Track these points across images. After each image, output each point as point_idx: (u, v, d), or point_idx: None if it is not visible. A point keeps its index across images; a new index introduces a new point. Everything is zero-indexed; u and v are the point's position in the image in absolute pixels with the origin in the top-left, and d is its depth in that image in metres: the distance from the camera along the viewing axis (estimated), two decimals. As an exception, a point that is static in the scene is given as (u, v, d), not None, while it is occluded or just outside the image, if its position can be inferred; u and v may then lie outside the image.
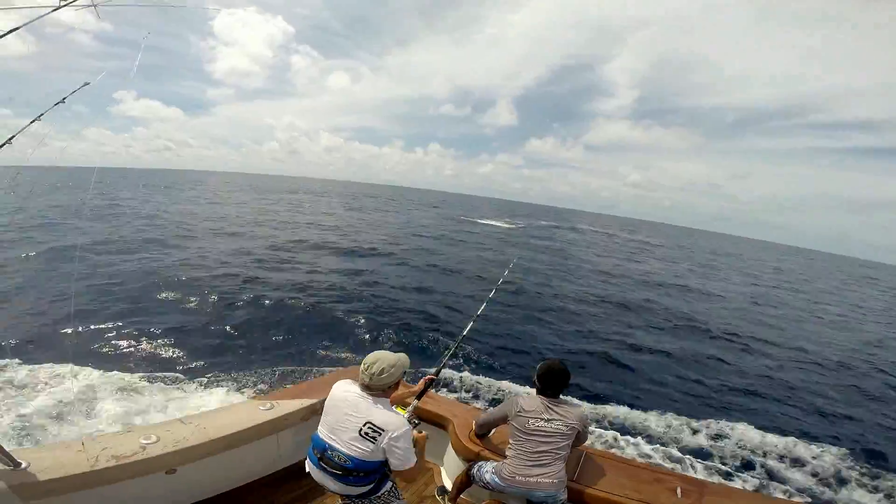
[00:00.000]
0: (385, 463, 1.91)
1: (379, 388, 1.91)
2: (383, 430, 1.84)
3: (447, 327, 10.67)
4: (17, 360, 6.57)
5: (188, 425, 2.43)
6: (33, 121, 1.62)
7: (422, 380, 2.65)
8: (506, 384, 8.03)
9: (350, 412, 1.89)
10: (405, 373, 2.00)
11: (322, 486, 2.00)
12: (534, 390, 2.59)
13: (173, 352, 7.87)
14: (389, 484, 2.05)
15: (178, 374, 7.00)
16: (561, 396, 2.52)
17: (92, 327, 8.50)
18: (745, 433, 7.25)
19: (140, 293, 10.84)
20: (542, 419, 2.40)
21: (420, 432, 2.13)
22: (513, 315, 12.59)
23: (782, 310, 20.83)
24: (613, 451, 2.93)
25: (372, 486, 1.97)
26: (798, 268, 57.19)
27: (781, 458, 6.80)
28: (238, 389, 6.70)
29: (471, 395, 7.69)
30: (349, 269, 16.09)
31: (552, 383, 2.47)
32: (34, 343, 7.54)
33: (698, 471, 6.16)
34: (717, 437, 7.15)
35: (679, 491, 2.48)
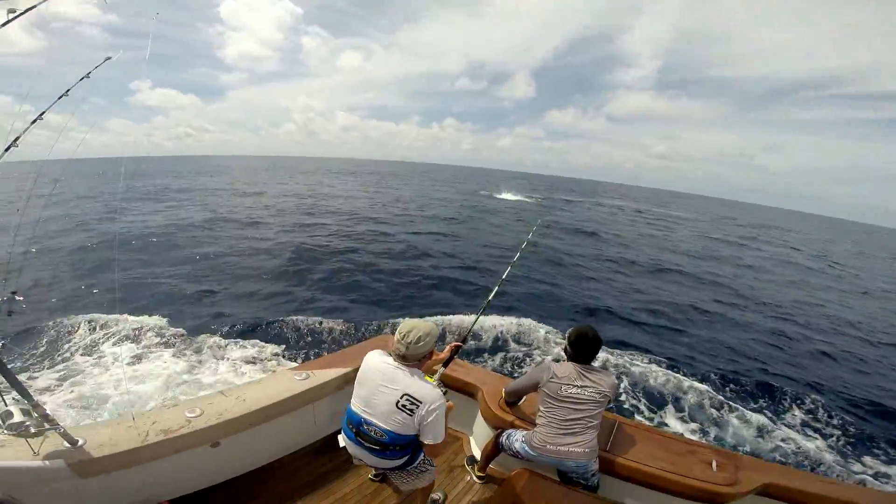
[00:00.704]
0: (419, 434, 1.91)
1: (415, 358, 1.89)
2: (421, 402, 1.82)
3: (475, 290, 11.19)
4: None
5: (228, 397, 2.49)
6: (60, 97, 1.62)
7: (447, 347, 2.64)
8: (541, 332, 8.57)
9: (386, 383, 1.86)
10: (436, 342, 1.96)
11: (358, 459, 2.01)
12: (565, 357, 2.56)
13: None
14: (422, 454, 2.06)
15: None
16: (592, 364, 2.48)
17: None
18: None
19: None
20: (575, 385, 2.36)
21: (447, 402, 2.11)
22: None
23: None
24: (645, 421, 2.89)
25: (407, 458, 1.99)
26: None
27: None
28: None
29: (498, 357, 7.85)
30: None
31: (585, 349, 2.42)
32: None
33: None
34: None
35: (714, 464, 2.44)
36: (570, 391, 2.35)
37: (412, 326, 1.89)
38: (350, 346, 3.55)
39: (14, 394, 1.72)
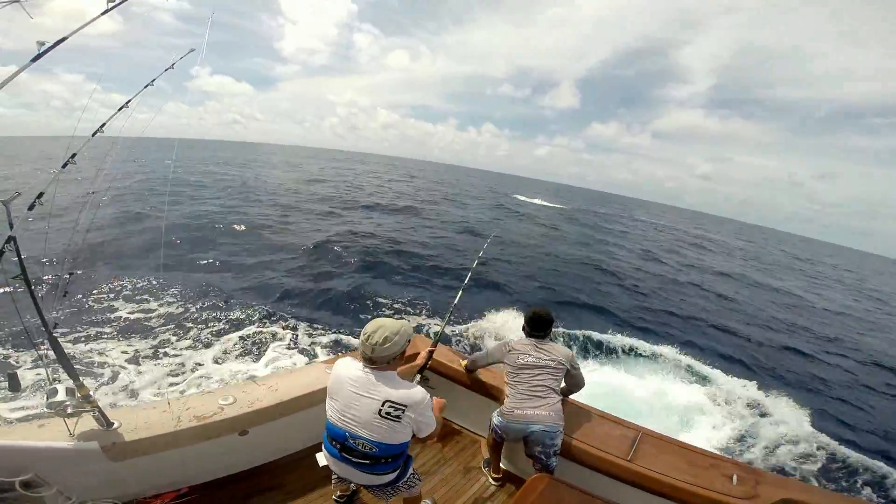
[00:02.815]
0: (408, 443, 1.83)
1: (384, 360, 1.72)
2: (407, 406, 1.70)
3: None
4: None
5: (261, 386, 2.55)
6: (146, 85, 1.74)
7: (421, 354, 2.72)
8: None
9: (362, 392, 1.71)
10: (409, 341, 1.81)
11: (345, 479, 1.91)
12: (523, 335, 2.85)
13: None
14: (411, 468, 2.00)
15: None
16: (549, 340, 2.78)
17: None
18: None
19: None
20: (531, 355, 2.66)
21: (440, 399, 2.16)
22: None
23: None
24: (670, 434, 2.85)
25: (398, 471, 1.88)
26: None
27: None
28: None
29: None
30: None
31: (538, 326, 2.75)
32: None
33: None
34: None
35: (735, 478, 2.43)
36: (527, 360, 2.65)
37: (378, 326, 1.73)
38: None
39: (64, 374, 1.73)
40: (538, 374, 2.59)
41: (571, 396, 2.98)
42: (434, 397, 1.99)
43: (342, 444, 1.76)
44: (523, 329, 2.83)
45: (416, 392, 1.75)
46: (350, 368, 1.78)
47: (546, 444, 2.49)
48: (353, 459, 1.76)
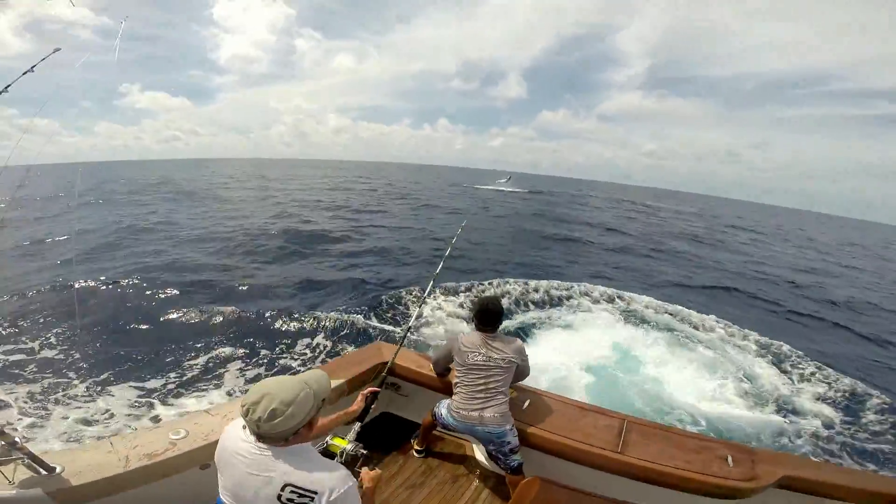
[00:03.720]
0: None
1: (278, 438, 1.28)
2: (316, 494, 1.25)
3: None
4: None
5: (214, 416, 2.35)
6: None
7: (360, 394, 2.22)
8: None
9: (254, 472, 1.28)
10: (318, 405, 1.35)
11: None
12: (472, 327, 2.72)
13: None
14: None
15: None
16: (499, 332, 2.64)
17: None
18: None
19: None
20: (480, 353, 2.52)
21: (371, 468, 1.67)
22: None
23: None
24: (657, 420, 2.83)
25: None
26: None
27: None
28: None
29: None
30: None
31: (487, 319, 2.59)
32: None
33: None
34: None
35: (730, 459, 2.39)
36: (476, 358, 2.51)
37: (262, 394, 1.26)
38: (344, 355, 3.42)
39: None
40: (486, 375, 2.49)
41: (552, 391, 2.92)
42: (366, 472, 1.64)
43: None
44: (472, 320, 2.70)
45: (334, 477, 1.29)
46: (237, 440, 1.34)
47: (495, 443, 2.46)
48: None
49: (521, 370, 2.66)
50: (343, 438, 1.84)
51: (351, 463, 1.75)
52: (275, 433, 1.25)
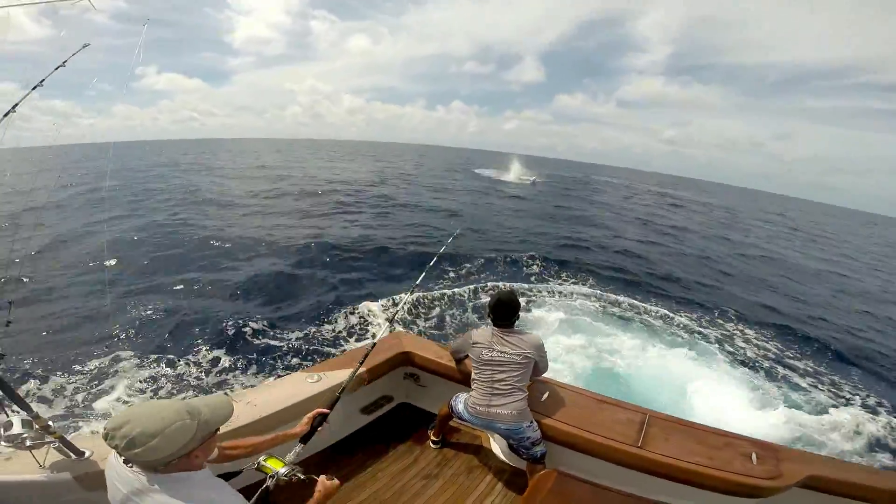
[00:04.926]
0: None
1: (148, 468, 1.13)
2: None
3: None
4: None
5: (238, 403, 2.37)
6: (34, 87, 1.47)
7: (306, 417, 1.98)
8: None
9: (131, 496, 1.13)
10: (201, 438, 1.17)
11: None
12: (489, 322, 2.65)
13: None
14: None
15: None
16: (516, 326, 2.59)
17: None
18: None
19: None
20: (494, 349, 2.49)
21: (330, 478, 1.59)
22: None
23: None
24: (678, 415, 2.77)
25: None
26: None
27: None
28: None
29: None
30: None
31: (501, 314, 2.54)
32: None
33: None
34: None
35: (754, 457, 2.32)
36: (490, 354, 2.49)
37: (126, 419, 1.08)
38: (359, 346, 3.45)
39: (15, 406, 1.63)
40: (502, 371, 2.45)
41: (569, 383, 2.87)
42: (323, 480, 1.56)
43: None
44: (488, 315, 2.64)
45: None
46: (115, 466, 1.18)
47: (514, 439, 2.46)
48: None
49: (539, 365, 2.62)
50: (280, 460, 1.65)
51: (283, 489, 1.57)
52: (139, 462, 1.10)
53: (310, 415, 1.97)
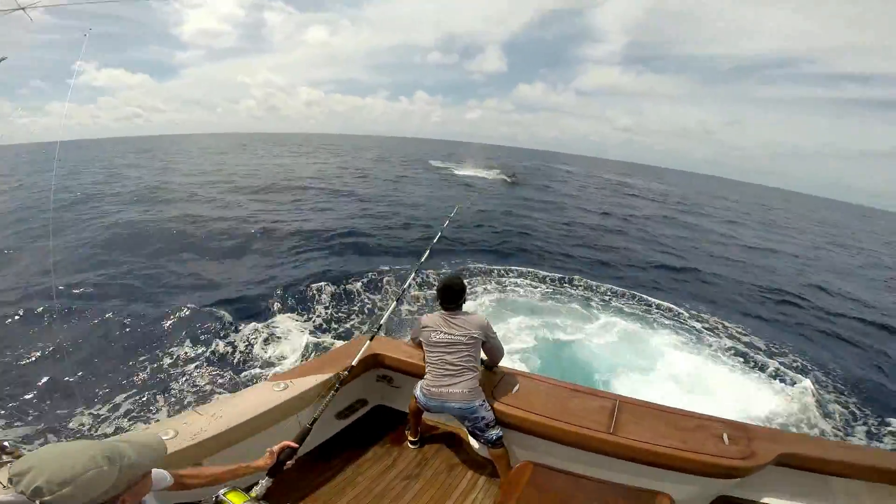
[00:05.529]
0: None
1: None
2: None
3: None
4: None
5: (203, 416, 2.31)
6: None
7: (270, 450, 1.87)
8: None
9: None
10: (148, 473, 1.15)
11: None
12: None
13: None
14: None
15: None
16: (463, 308, 2.73)
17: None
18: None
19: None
20: (441, 331, 2.60)
21: None
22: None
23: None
24: (646, 398, 2.86)
25: None
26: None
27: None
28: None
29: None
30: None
31: (448, 297, 2.67)
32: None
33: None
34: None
35: (726, 437, 2.35)
36: (438, 337, 2.60)
37: (32, 464, 0.97)
38: (330, 350, 3.37)
39: None
40: (450, 353, 2.56)
41: (533, 373, 2.91)
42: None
43: None
44: (437, 300, 2.75)
45: None
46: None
47: (469, 419, 2.52)
48: None
49: (491, 347, 2.70)
50: (243, 493, 1.54)
51: None
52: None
53: (275, 448, 1.89)
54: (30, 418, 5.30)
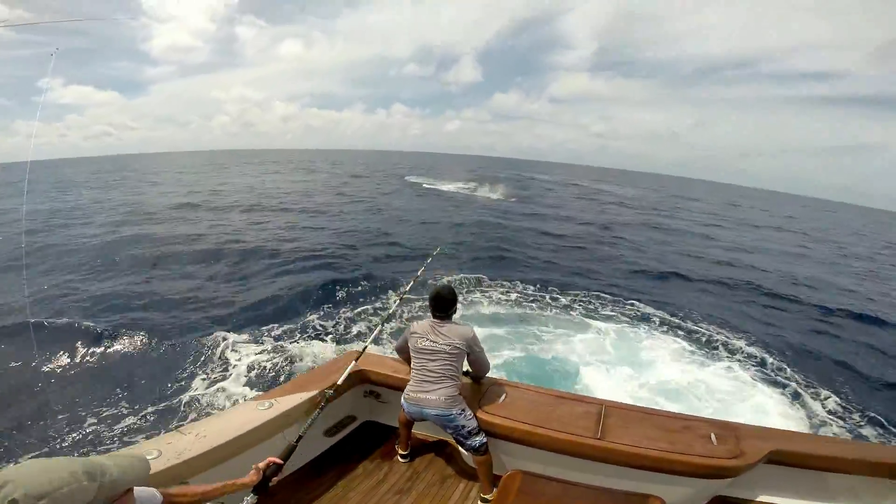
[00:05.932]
0: None
1: None
2: None
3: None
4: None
5: (187, 435, 2.28)
6: None
7: (256, 466, 1.87)
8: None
9: None
10: (129, 491, 1.15)
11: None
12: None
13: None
14: None
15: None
16: (454, 319, 2.78)
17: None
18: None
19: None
20: (428, 339, 2.65)
21: None
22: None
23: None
24: (634, 403, 2.88)
25: None
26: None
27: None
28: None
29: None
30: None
31: (439, 306, 2.72)
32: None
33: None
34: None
35: (714, 437, 2.35)
36: (424, 344, 2.65)
37: (8, 479, 0.94)
38: (316, 368, 3.35)
39: None
40: (433, 360, 2.60)
41: (519, 382, 2.95)
42: None
43: None
44: (429, 307, 2.80)
45: None
46: None
47: (450, 427, 2.56)
48: None
49: (475, 360, 2.74)
50: None
51: None
52: None
53: (261, 464, 1.89)
54: (7, 442, 5.10)
